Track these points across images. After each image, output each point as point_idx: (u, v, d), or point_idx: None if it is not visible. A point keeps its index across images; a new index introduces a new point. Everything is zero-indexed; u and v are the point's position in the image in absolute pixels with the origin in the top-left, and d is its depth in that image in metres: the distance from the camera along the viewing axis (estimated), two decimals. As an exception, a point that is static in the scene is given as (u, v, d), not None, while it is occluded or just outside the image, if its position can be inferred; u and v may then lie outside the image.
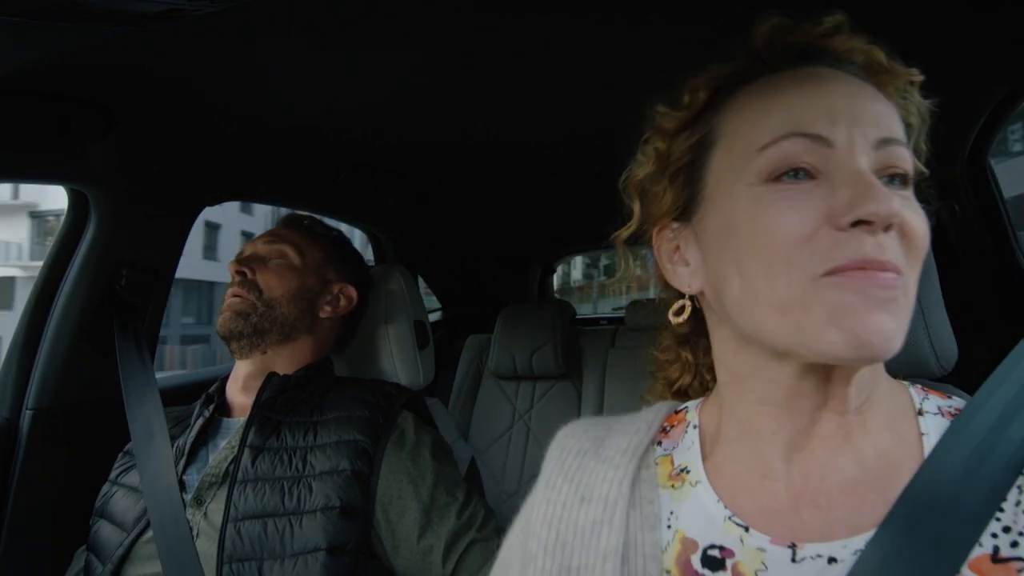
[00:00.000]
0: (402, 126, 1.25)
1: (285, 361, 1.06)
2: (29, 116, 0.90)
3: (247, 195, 1.46)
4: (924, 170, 0.50)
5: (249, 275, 1.04)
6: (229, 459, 0.94)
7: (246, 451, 0.93)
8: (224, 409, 1.05)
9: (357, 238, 1.67)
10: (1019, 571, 0.37)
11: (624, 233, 0.56)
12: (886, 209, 0.39)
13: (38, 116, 0.91)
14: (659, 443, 0.54)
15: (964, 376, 0.67)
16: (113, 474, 1.02)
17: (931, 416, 0.46)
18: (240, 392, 1.05)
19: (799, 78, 0.46)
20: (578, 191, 1.76)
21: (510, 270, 2.78)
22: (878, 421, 0.46)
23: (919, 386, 0.50)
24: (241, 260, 1.06)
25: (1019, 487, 0.39)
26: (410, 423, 1.01)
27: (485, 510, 0.97)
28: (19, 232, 15.88)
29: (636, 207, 0.55)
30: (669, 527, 0.48)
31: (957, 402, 0.48)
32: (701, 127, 0.49)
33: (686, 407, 0.57)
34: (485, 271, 2.60)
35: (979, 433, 0.40)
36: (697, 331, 0.57)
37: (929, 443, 0.44)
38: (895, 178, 0.44)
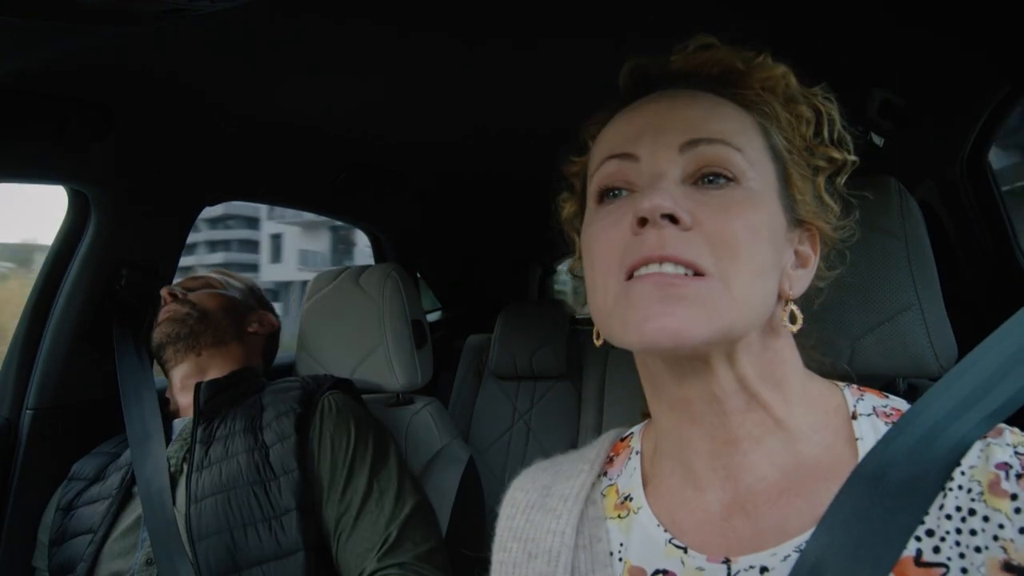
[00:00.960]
0: (402, 126, 1.25)
1: (218, 365, 1.12)
2: (29, 116, 0.90)
3: (247, 195, 1.46)
4: (852, 159, 0.51)
5: (180, 295, 1.13)
6: (184, 450, 0.99)
7: (198, 446, 0.98)
8: (170, 413, 1.10)
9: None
10: None
11: (576, 265, 0.59)
12: (648, 204, 0.42)
13: (38, 116, 0.91)
14: (605, 473, 0.57)
15: (964, 376, 0.67)
16: (63, 501, 0.99)
17: (865, 418, 0.47)
18: (180, 393, 1.10)
19: (627, 108, 0.50)
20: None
21: (510, 270, 2.78)
22: (800, 425, 0.47)
23: (854, 387, 0.50)
24: (170, 288, 1.15)
25: (944, 492, 0.40)
26: (339, 396, 1.06)
27: (399, 483, 0.98)
28: (322, 243, 21.81)
29: (577, 240, 0.58)
30: (621, 560, 0.50)
31: (895, 402, 0.48)
32: (586, 167, 0.54)
33: (631, 433, 0.59)
34: (485, 271, 2.60)
35: (917, 436, 0.41)
36: None
37: (863, 447, 0.44)
38: (717, 177, 0.45)
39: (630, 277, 0.43)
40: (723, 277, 0.42)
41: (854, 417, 0.47)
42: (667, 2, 0.80)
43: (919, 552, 0.39)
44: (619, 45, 0.90)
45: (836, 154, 0.50)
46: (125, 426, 1.03)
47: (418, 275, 2.28)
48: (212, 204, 1.32)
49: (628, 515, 0.51)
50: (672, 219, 0.42)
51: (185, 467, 0.97)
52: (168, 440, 1.03)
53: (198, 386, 1.05)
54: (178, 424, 1.06)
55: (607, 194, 0.48)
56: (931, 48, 0.93)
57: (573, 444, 1.54)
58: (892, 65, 0.98)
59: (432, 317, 2.46)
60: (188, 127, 1.11)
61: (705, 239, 0.43)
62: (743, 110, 0.48)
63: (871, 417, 0.47)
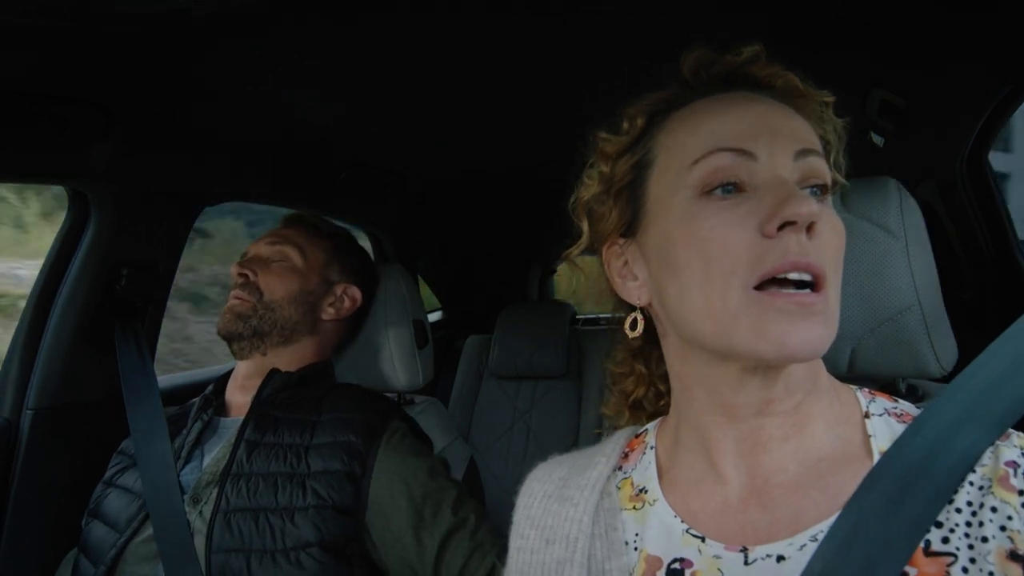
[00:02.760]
0: (402, 126, 1.25)
1: (286, 362, 1.06)
2: (29, 116, 0.90)
3: (248, 195, 1.46)
4: (844, 182, 0.55)
5: (251, 277, 1.04)
6: (227, 456, 0.94)
7: (242, 445, 0.93)
8: (222, 409, 1.05)
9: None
10: (948, 565, 0.39)
11: (575, 251, 0.59)
12: (807, 209, 0.42)
13: (38, 116, 0.91)
14: (620, 467, 0.58)
15: (964, 376, 0.67)
16: (108, 474, 1.01)
17: (878, 418, 0.49)
18: (238, 391, 1.05)
19: (723, 100, 0.50)
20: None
21: (510, 270, 2.78)
22: (820, 423, 0.49)
23: (866, 390, 0.52)
24: (243, 263, 1.06)
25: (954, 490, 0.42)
26: (404, 428, 1.01)
27: (477, 510, 0.96)
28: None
29: (585, 226, 0.58)
30: (636, 549, 0.51)
31: (904, 405, 0.50)
32: (639, 149, 0.53)
33: (646, 430, 0.60)
34: (485, 271, 2.60)
35: (926, 445, 0.43)
36: (649, 343, 0.60)
37: (876, 444, 0.46)
38: (815, 188, 0.48)
39: (759, 284, 0.43)
40: (832, 288, 0.45)
41: (867, 416, 0.49)
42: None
43: (928, 543, 0.40)
44: (620, 40, 0.90)
45: (836, 177, 0.53)
46: (128, 426, 1.02)
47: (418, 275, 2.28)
48: (212, 204, 1.32)
49: (643, 506, 0.53)
50: (808, 227, 0.44)
51: (222, 468, 0.92)
52: (204, 438, 1.00)
53: (269, 376, 1.01)
54: (228, 424, 1.01)
55: (717, 188, 0.46)
56: (931, 48, 0.93)
57: (573, 444, 1.54)
58: (892, 65, 0.98)
59: (432, 317, 2.46)
60: (188, 127, 1.11)
61: (823, 249, 0.44)
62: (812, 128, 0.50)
63: (884, 417, 0.49)
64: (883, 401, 0.50)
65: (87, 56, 0.83)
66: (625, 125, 0.54)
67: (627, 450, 0.59)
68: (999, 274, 1.33)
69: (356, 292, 1.14)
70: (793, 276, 0.43)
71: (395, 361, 1.19)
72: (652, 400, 0.63)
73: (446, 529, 0.91)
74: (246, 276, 1.04)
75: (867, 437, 0.47)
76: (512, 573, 0.54)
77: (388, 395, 1.23)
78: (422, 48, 0.90)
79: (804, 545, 0.43)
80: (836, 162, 0.54)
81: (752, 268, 0.43)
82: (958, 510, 0.41)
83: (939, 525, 0.41)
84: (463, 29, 0.85)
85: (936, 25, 0.87)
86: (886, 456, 0.44)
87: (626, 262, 0.55)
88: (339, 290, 1.12)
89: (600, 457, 0.57)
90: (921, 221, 0.68)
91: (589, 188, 0.57)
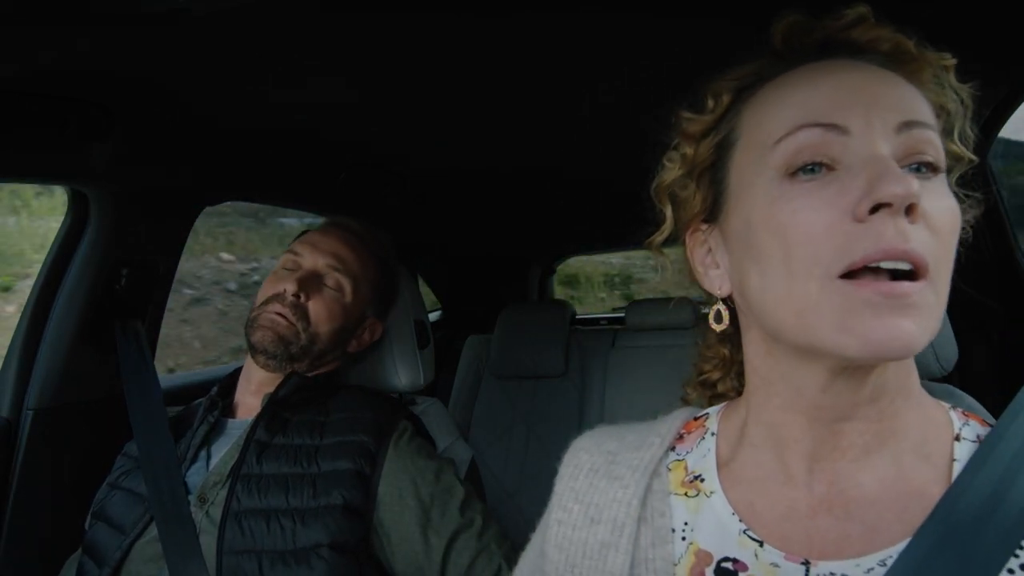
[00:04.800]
0: (403, 125, 1.24)
1: (303, 371, 1.07)
2: (29, 116, 0.90)
3: (248, 195, 1.46)
4: (972, 157, 0.48)
5: (302, 300, 1.03)
6: (235, 457, 0.94)
7: (252, 446, 0.93)
8: (228, 410, 1.05)
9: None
10: None
11: (658, 238, 0.55)
12: (903, 189, 0.37)
13: (38, 116, 0.91)
14: (672, 448, 0.54)
15: (964, 376, 0.67)
16: (112, 476, 1.01)
17: (967, 443, 0.45)
18: (252, 395, 1.05)
19: (814, 70, 0.45)
20: (578, 193, 1.76)
21: (510, 270, 2.78)
22: (906, 441, 0.45)
23: (959, 410, 0.49)
24: (301, 280, 1.04)
25: None
26: (411, 428, 1.02)
27: (484, 512, 0.97)
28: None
29: (668, 211, 0.54)
30: (684, 539, 0.48)
31: None
32: (724, 127, 0.49)
33: (706, 414, 0.57)
34: (485, 271, 2.60)
35: (1005, 460, 0.40)
36: (739, 331, 0.56)
37: (957, 470, 0.43)
38: (921, 167, 0.42)
39: (846, 273, 0.39)
40: (936, 279, 0.39)
41: (957, 439, 0.45)
42: None
43: None
44: (616, 31, 0.90)
45: (961, 152, 0.47)
46: (129, 426, 1.02)
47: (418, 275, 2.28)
48: (212, 204, 1.32)
49: (698, 495, 0.49)
50: (907, 210, 0.38)
51: (232, 471, 0.92)
52: (211, 439, 1.00)
53: (288, 377, 1.01)
54: (235, 425, 1.02)
55: (805, 168, 0.42)
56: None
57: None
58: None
59: (432, 317, 2.46)
60: (188, 127, 1.11)
61: (929, 234, 0.39)
62: (924, 96, 0.45)
63: (974, 444, 0.45)
64: (976, 426, 0.47)
65: (87, 56, 0.83)
66: (710, 103, 0.50)
67: (683, 431, 0.56)
68: (999, 274, 1.33)
69: (379, 328, 1.16)
70: (887, 265, 0.38)
71: (396, 361, 1.19)
72: (727, 384, 0.60)
73: (453, 530, 0.91)
74: (298, 296, 1.03)
75: (952, 462, 0.44)
76: (550, 546, 0.51)
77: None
78: (423, 46, 0.90)
79: (872, 569, 0.40)
80: (962, 134, 0.48)
81: (838, 256, 0.39)
82: None
83: None
84: (465, 26, 0.85)
85: (934, 27, 0.87)
86: (955, 486, 0.41)
87: (709, 250, 0.51)
88: (367, 324, 1.14)
89: (654, 437, 0.54)
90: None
91: (671, 171, 0.53)
